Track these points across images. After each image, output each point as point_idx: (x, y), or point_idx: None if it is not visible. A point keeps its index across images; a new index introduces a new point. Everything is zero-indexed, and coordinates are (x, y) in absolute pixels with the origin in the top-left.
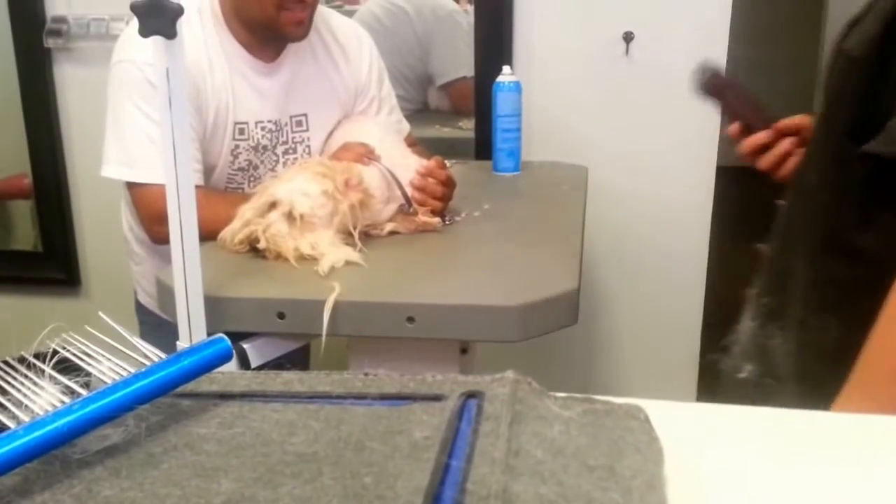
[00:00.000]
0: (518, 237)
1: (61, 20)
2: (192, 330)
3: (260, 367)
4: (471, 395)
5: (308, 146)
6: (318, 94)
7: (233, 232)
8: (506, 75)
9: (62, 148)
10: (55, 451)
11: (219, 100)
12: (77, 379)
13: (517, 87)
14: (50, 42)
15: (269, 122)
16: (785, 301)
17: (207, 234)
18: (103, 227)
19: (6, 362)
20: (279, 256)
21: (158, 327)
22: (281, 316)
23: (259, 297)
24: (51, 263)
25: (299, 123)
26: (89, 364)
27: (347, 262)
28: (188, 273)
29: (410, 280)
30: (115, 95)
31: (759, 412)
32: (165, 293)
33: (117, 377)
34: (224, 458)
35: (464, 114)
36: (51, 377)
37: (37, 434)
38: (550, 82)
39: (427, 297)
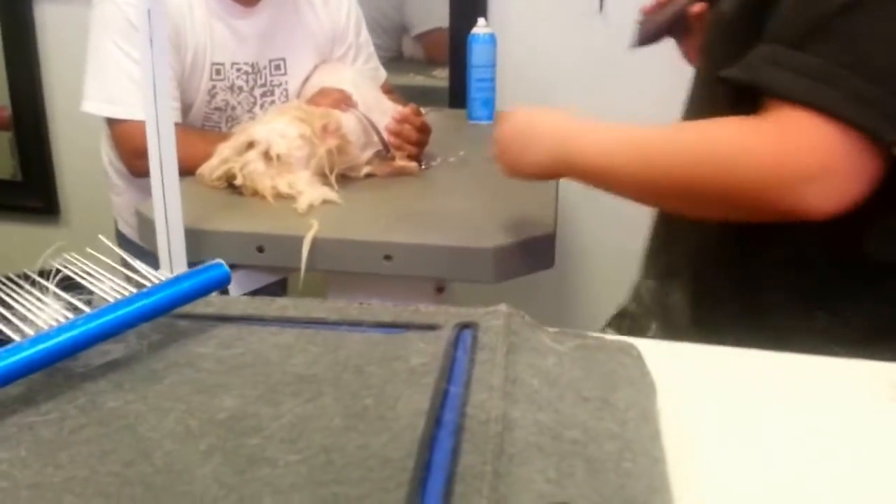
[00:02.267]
0: (494, 183)
1: None
2: (173, 261)
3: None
4: (465, 325)
5: (286, 90)
6: (296, 39)
7: (211, 168)
8: (481, 27)
9: (41, 80)
10: (58, 363)
11: (197, 40)
12: (80, 297)
13: (492, 39)
14: None
15: (246, 64)
16: (678, 257)
17: (185, 170)
18: (83, 157)
19: (9, 278)
20: (256, 193)
21: (140, 256)
22: (260, 250)
23: (239, 230)
24: (30, 192)
25: (277, 67)
26: (91, 283)
27: (325, 201)
28: (168, 205)
29: (388, 220)
30: (96, 33)
31: (747, 353)
32: (145, 224)
33: (119, 297)
34: (224, 376)
35: (437, 63)
36: (54, 294)
37: (41, 346)
38: (524, 35)
39: (404, 237)
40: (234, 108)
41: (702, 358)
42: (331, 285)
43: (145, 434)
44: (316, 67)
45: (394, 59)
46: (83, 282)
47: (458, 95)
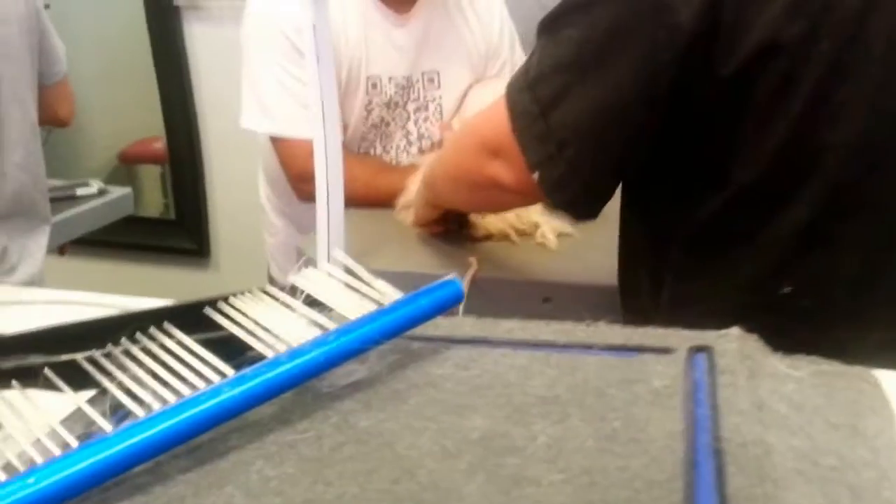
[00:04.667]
0: None
1: None
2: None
3: None
4: (698, 349)
5: (440, 105)
6: (450, 52)
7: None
8: None
9: (195, 111)
10: (307, 382)
11: (352, 54)
12: (322, 313)
13: None
14: (179, 0)
15: (402, 77)
16: None
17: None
18: (235, 196)
19: (251, 292)
20: (490, 236)
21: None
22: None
23: (395, 270)
24: (182, 231)
25: (431, 80)
26: (328, 299)
27: (560, 234)
28: (331, 241)
29: (547, 258)
30: (252, 48)
31: None
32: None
33: (359, 314)
34: (468, 396)
35: None
36: (297, 310)
37: (298, 363)
38: None
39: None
40: (388, 125)
41: None
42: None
43: (404, 452)
44: (471, 86)
45: None
46: (322, 298)
47: None
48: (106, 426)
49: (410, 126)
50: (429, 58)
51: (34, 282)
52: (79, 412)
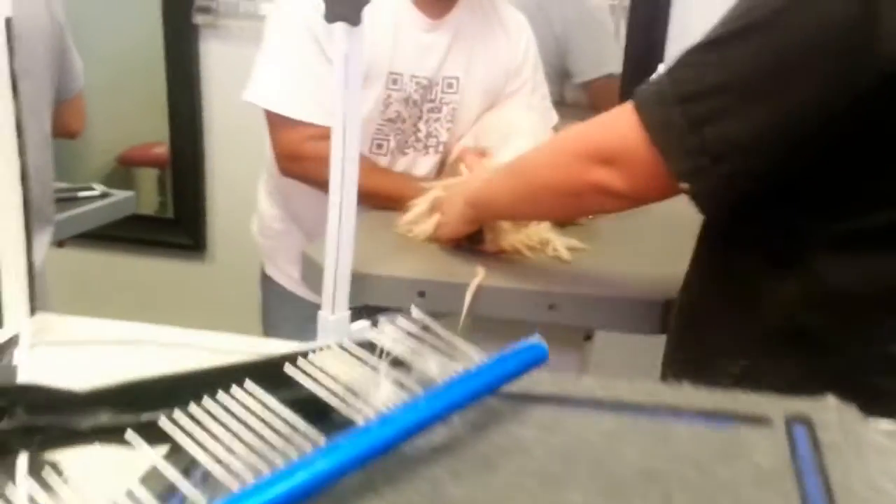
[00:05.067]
0: (661, 234)
1: None
2: (336, 304)
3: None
4: (795, 418)
5: (454, 109)
6: (474, 61)
7: None
8: (656, 77)
9: (202, 121)
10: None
11: (377, 47)
12: (406, 374)
13: None
14: (198, 18)
15: (424, 77)
16: None
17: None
18: (232, 197)
19: (329, 347)
20: (502, 251)
21: (282, 300)
22: (421, 294)
23: (401, 276)
24: (179, 228)
25: (450, 85)
26: (410, 358)
27: (571, 248)
28: (341, 249)
29: (553, 269)
30: (274, 32)
31: None
32: (311, 267)
33: (443, 375)
34: (559, 465)
35: (602, 110)
36: (379, 370)
37: (390, 430)
38: None
39: (570, 287)
40: (404, 121)
41: None
42: (477, 325)
43: None
44: (492, 106)
45: (556, 103)
46: (403, 356)
47: None
48: (188, 489)
49: (421, 125)
50: (453, 63)
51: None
52: (156, 471)
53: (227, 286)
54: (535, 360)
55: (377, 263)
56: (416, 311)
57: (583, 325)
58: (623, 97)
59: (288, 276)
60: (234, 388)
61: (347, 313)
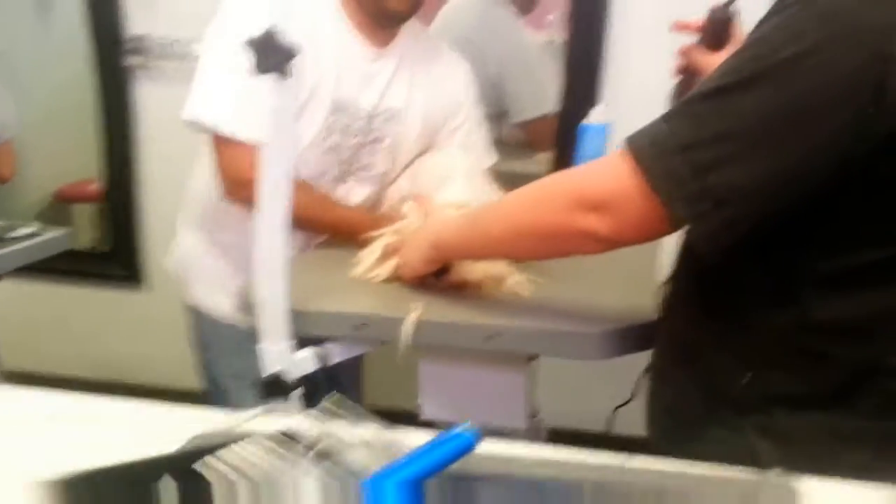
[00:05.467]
0: (599, 268)
1: (142, 39)
2: (273, 336)
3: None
4: None
5: (394, 140)
6: (415, 92)
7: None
8: (593, 118)
9: (135, 158)
10: None
11: (321, 74)
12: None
13: (603, 131)
14: (130, 60)
15: (367, 108)
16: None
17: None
18: (169, 232)
19: (250, 438)
20: (465, 284)
21: (215, 329)
22: (361, 328)
23: (344, 311)
24: (115, 261)
25: (391, 116)
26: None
27: (529, 280)
28: (272, 286)
29: (492, 302)
30: (215, 47)
31: None
32: (247, 302)
33: (370, 465)
34: None
35: (539, 148)
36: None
37: None
38: (638, 124)
39: (508, 320)
40: (345, 150)
41: None
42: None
43: None
44: (431, 138)
45: (493, 143)
46: (328, 447)
47: None
48: None
49: (362, 154)
50: (395, 94)
51: None
52: None
53: (164, 316)
54: (465, 448)
55: (317, 298)
56: (338, 395)
57: (523, 353)
58: (560, 135)
59: (215, 304)
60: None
61: (289, 344)
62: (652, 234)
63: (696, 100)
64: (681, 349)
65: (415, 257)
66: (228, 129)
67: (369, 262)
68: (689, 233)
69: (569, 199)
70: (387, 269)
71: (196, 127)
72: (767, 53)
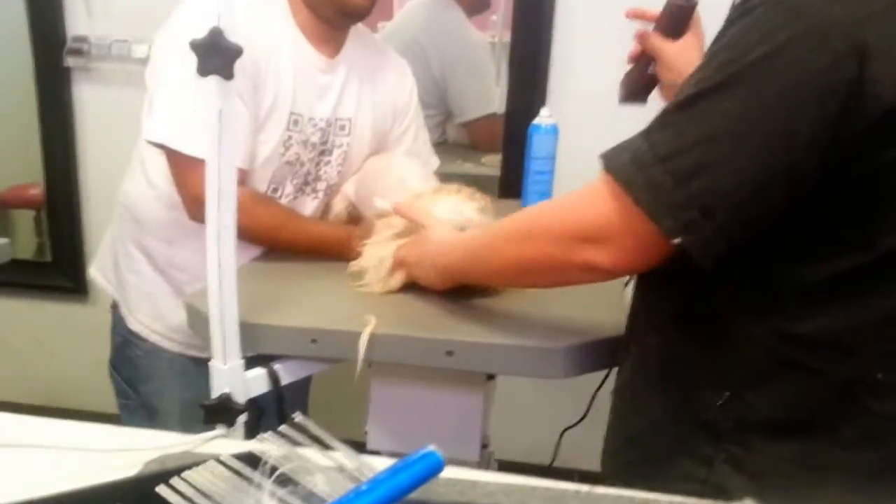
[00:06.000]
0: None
1: (82, 40)
2: (224, 354)
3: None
4: None
5: (345, 152)
6: (363, 102)
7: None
8: (543, 118)
9: (76, 162)
10: None
11: (279, 85)
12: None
13: (554, 130)
14: (70, 61)
15: (321, 119)
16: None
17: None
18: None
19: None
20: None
21: (150, 352)
22: (313, 341)
23: (295, 325)
24: (58, 272)
25: (342, 127)
26: (297, 473)
27: None
28: (225, 300)
29: (449, 316)
30: (172, 70)
31: None
32: (196, 316)
33: (335, 493)
34: None
35: (484, 149)
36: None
37: None
38: (584, 124)
39: (466, 335)
40: (302, 164)
41: None
42: (376, 371)
43: None
44: (380, 146)
45: (439, 144)
46: (288, 471)
47: (511, 185)
48: None
49: (322, 168)
50: (346, 104)
51: None
52: None
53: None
54: (431, 471)
55: (267, 313)
56: (300, 417)
57: (482, 371)
58: (507, 136)
59: (149, 329)
60: None
61: (241, 362)
62: (652, 257)
63: (671, 111)
64: (653, 367)
65: (430, 279)
66: (191, 149)
67: (379, 275)
68: (682, 244)
69: (562, 231)
70: (398, 279)
71: (162, 149)
72: (738, 56)
